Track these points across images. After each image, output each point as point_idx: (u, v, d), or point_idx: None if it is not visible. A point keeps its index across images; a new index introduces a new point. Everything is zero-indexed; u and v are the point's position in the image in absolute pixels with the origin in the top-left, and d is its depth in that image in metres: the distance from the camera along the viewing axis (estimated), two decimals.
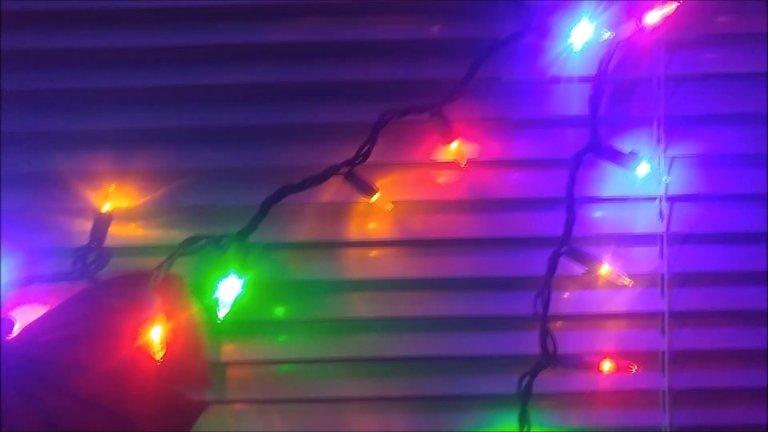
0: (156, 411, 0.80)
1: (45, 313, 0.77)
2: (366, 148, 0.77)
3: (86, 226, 0.81)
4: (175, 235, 0.81)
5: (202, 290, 0.77)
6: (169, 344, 0.75)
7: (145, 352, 0.75)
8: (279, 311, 0.84)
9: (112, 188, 0.80)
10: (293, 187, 0.77)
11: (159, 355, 0.74)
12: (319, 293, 0.84)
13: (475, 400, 0.85)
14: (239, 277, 0.74)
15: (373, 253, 0.85)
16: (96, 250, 0.77)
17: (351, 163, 0.78)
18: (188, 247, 0.76)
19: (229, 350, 0.84)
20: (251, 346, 0.84)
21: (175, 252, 0.75)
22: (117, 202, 0.80)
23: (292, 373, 0.85)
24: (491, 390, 0.83)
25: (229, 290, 0.74)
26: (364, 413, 0.85)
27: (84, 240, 0.80)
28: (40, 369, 0.77)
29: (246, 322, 0.83)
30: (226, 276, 0.74)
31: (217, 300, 0.74)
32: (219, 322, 0.75)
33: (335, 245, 0.85)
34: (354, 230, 0.84)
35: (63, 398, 0.78)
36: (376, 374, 0.85)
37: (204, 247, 0.76)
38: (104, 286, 0.77)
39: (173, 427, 0.82)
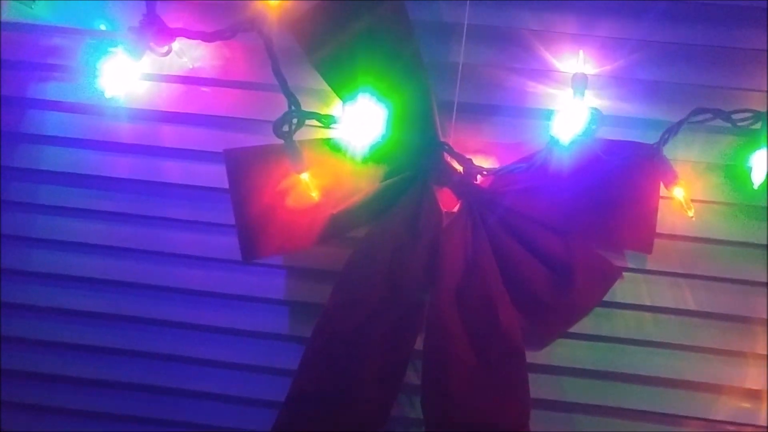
0: (587, 270, 0.86)
1: (521, 166, 0.83)
2: None
3: (539, 88, 0.86)
4: (628, 109, 0.85)
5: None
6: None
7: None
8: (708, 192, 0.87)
9: (581, 53, 0.83)
10: None
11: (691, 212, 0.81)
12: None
13: None
14: None
15: None
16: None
17: None
18: (693, 118, 0.79)
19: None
20: (679, 222, 0.87)
21: (679, 122, 0.79)
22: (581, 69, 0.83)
23: (710, 251, 0.88)
24: None
25: (760, 163, 0.78)
26: None
27: (541, 103, 0.86)
28: (504, 214, 0.85)
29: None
30: (759, 148, 0.78)
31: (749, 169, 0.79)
32: (753, 188, 0.80)
33: None
34: None
35: (515, 243, 0.85)
36: None
37: (711, 120, 0.79)
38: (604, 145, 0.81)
39: (595, 287, 0.87)
